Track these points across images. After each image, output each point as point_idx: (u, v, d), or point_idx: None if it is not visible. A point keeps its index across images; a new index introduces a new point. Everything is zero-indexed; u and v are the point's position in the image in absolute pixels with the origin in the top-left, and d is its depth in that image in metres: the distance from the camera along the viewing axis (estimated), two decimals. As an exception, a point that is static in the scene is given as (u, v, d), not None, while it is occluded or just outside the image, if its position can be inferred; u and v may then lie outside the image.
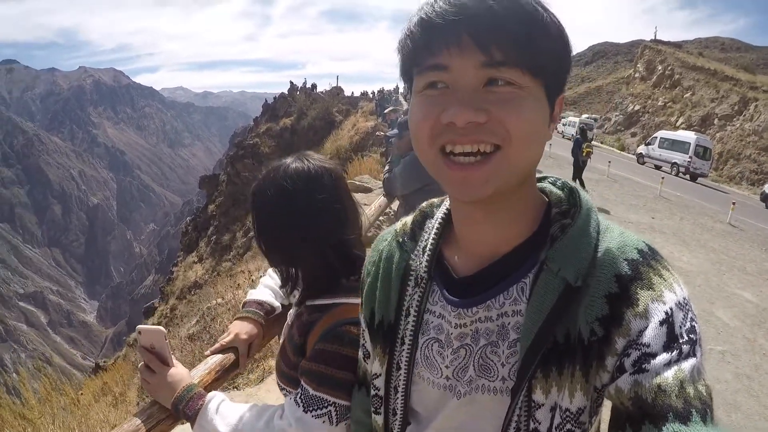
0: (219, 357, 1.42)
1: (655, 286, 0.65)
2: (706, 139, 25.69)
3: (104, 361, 16.20)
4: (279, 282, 1.58)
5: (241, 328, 1.47)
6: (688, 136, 25.22)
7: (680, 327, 0.61)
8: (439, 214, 0.87)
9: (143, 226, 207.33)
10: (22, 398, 4.15)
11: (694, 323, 0.63)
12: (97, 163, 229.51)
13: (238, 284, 7.13)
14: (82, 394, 5.09)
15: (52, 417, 3.97)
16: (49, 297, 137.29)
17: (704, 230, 12.27)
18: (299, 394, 1.17)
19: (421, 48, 0.67)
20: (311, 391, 1.15)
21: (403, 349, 0.83)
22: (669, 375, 0.57)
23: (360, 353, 1.01)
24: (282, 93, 31.85)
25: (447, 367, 0.78)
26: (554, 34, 0.67)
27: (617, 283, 0.66)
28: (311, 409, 1.14)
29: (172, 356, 1.29)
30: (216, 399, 1.24)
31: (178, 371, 1.27)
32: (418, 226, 0.89)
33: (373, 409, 0.91)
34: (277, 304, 1.59)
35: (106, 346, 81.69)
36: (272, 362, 4.76)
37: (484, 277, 0.76)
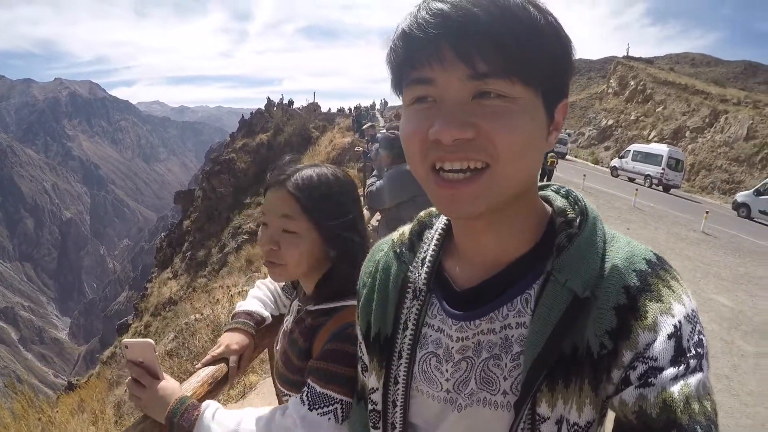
0: (211, 369, 1.38)
1: (663, 298, 0.63)
2: (678, 151, 26.13)
3: (77, 380, 15.89)
4: (268, 293, 1.62)
5: (231, 339, 1.44)
6: (661, 148, 25.62)
7: (688, 341, 0.60)
8: (439, 225, 0.84)
9: (117, 241, 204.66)
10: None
11: (701, 336, 0.62)
12: (71, 176, 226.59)
13: (217, 299, 7.02)
14: (58, 411, 4.88)
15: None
16: (20, 313, 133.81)
17: (678, 239, 12.49)
18: (305, 393, 1.16)
19: (404, 62, 0.65)
20: (318, 389, 1.14)
21: (401, 363, 0.80)
22: (675, 390, 0.57)
23: (358, 366, 0.98)
24: (259, 109, 31.96)
25: (447, 380, 0.75)
26: (548, 35, 0.62)
27: (626, 294, 0.63)
28: (317, 406, 1.13)
29: (161, 368, 1.25)
30: (211, 407, 1.21)
31: (169, 384, 1.23)
32: (417, 236, 0.86)
33: (371, 423, 0.88)
34: (266, 314, 1.57)
35: (79, 363, 79.90)
36: (253, 378, 4.73)
37: (487, 289, 0.73)
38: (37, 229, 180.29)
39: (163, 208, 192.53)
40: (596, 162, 36.75)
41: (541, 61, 0.62)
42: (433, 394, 0.77)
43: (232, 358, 1.41)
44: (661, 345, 0.59)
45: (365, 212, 5.57)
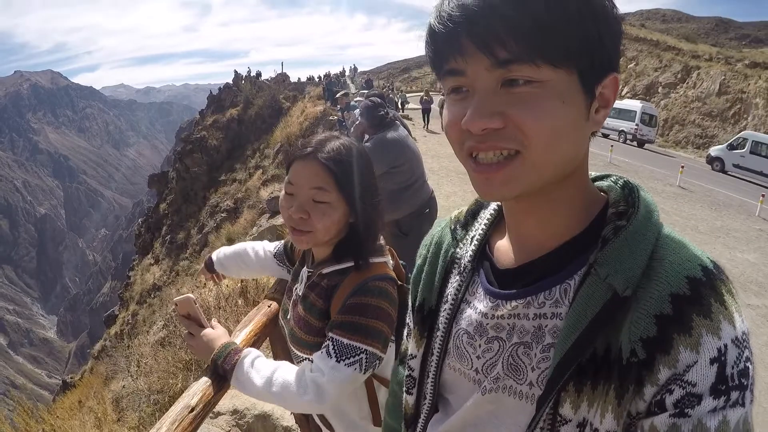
0: (259, 312, 1.70)
1: (713, 315, 0.57)
2: (651, 107, 26.27)
3: (71, 378, 15.86)
4: (258, 251, 1.78)
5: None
6: (634, 104, 25.69)
7: (732, 368, 0.55)
8: (492, 205, 0.85)
9: (94, 232, 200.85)
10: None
11: (748, 364, 0.57)
12: (41, 171, 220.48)
13: (204, 283, 6.74)
14: (58, 417, 4.83)
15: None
16: (6, 317, 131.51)
17: (655, 193, 12.57)
18: (331, 346, 1.23)
19: (434, 55, 0.67)
20: (345, 341, 1.22)
21: (437, 336, 0.83)
22: (711, 426, 0.53)
23: (404, 331, 1.02)
24: (227, 83, 31.04)
25: (478, 357, 0.76)
26: (577, 11, 0.58)
27: (671, 303, 0.58)
28: (344, 357, 1.21)
29: (205, 318, 1.41)
30: (251, 354, 1.32)
31: (216, 331, 1.38)
32: (472, 215, 0.87)
33: (405, 388, 0.91)
34: (225, 257, 1.83)
35: (71, 361, 78.78)
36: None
37: (527, 272, 0.73)
38: (13, 229, 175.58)
39: (137, 193, 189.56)
40: (570, 120, 36.82)
41: (569, 39, 0.58)
42: (464, 371, 0.78)
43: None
44: (701, 369, 0.54)
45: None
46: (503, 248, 0.79)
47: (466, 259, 0.81)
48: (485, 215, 0.85)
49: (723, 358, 0.54)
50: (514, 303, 0.71)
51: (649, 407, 0.57)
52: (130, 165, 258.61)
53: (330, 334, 1.25)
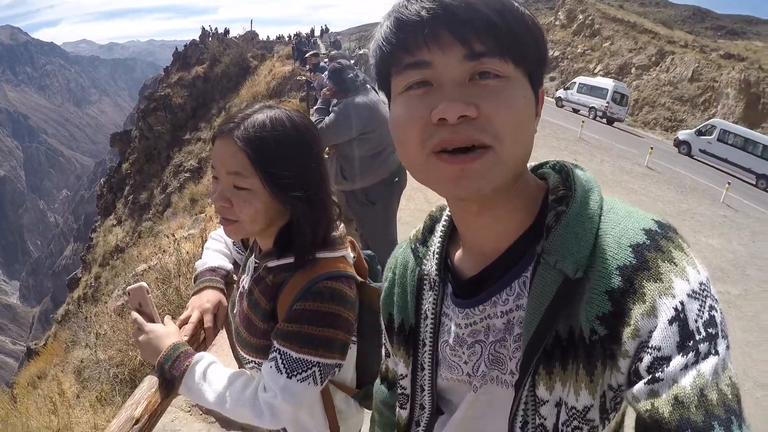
0: (187, 329, 1.30)
1: (663, 275, 0.57)
2: (623, 87, 26.49)
3: (35, 344, 15.72)
4: (227, 241, 1.53)
5: (201, 300, 1.36)
6: (607, 82, 25.88)
7: (695, 321, 0.55)
8: (443, 217, 0.86)
9: (56, 193, 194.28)
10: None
11: (713, 312, 0.56)
12: (0, 131, 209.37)
13: (164, 250, 6.47)
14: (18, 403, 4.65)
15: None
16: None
17: (624, 173, 12.78)
18: (279, 360, 1.12)
19: (399, 47, 0.65)
20: (294, 354, 1.10)
21: (425, 351, 0.84)
22: (687, 383, 0.52)
23: (382, 351, 1.03)
24: (193, 40, 29.63)
25: (466, 363, 0.78)
26: (529, 21, 0.65)
27: (620, 275, 0.59)
28: (295, 373, 1.10)
29: (156, 311, 1.28)
30: (204, 361, 1.18)
31: (164, 328, 1.23)
32: (428, 230, 0.88)
33: (399, 404, 0.92)
34: (230, 266, 1.49)
35: (35, 326, 77.13)
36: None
37: (488, 275, 0.74)
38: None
39: (99, 153, 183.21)
40: (541, 92, 37.04)
41: (529, 43, 0.64)
42: (456, 378, 0.80)
43: (207, 318, 1.33)
44: (662, 332, 0.54)
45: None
46: (462, 259, 0.80)
47: (434, 274, 0.82)
48: (439, 228, 0.85)
49: (682, 315, 0.55)
50: (481, 307, 0.73)
51: (628, 378, 0.58)
52: (92, 123, 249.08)
53: (276, 345, 1.13)
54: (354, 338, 1.27)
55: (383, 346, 1.01)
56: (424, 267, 0.84)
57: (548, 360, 0.65)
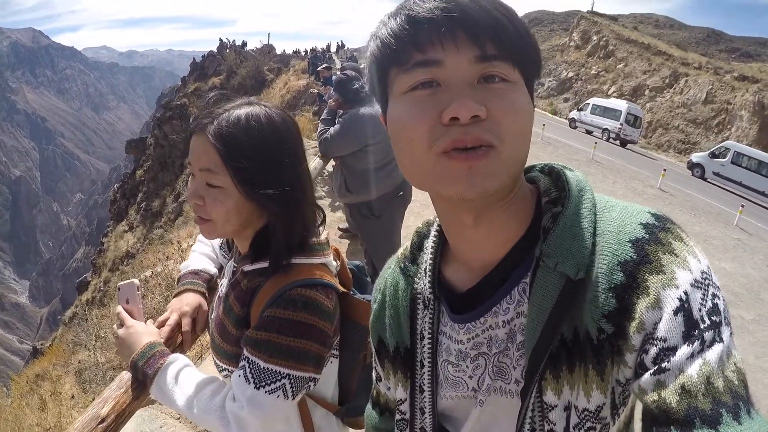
0: (164, 332, 1.28)
1: (665, 267, 0.58)
2: (637, 108, 26.35)
3: (41, 344, 15.75)
4: (214, 245, 1.50)
5: (180, 303, 1.34)
6: (620, 104, 25.74)
7: (699, 310, 0.55)
8: (432, 232, 0.84)
9: (70, 196, 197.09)
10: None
11: (716, 300, 0.57)
12: (18, 132, 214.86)
13: (167, 256, 6.64)
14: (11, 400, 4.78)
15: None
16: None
17: (636, 194, 12.63)
18: (248, 369, 1.06)
19: (408, 45, 0.63)
20: (262, 364, 1.05)
21: (424, 372, 0.82)
22: (693, 372, 0.52)
23: (373, 374, 1.00)
24: (211, 51, 30.43)
25: (470, 378, 0.76)
26: (528, 30, 0.66)
27: (622, 271, 0.60)
28: (263, 384, 1.05)
29: (142, 311, 1.28)
30: (177, 363, 1.15)
31: (143, 327, 1.22)
32: (417, 248, 0.86)
33: (398, 429, 0.90)
34: (214, 270, 1.46)
35: (42, 327, 77.72)
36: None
37: (486, 286, 0.73)
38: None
39: (115, 158, 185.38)
40: (554, 113, 36.77)
41: (531, 51, 0.65)
42: (461, 395, 0.78)
43: (185, 321, 1.31)
44: (667, 323, 0.54)
45: (317, 160, 5.15)
46: (455, 273, 0.78)
47: (427, 292, 0.80)
48: (428, 245, 0.83)
49: (687, 305, 0.55)
50: (483, 319, 0.72)
51: (635, 371, 0.58)
52: (109, 129, 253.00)
53: (245, 353, 1.08)
54: (335, 352, 1.22)
55: (374, 370, 0.98)
56: (416, 286, 0.82)
57: (555, 364, 0.64)
